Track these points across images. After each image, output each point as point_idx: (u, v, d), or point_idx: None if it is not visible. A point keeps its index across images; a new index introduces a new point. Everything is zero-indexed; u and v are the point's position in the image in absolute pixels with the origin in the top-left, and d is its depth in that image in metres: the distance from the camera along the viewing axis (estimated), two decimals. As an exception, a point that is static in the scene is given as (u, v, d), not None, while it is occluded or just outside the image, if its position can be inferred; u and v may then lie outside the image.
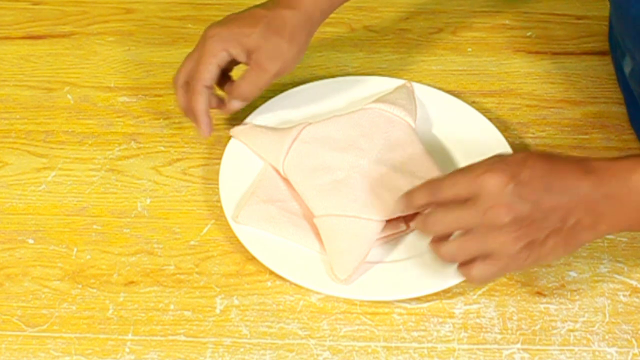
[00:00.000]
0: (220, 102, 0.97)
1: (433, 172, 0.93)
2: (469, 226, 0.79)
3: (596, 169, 0.80)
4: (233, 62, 0.96)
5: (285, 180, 0.95)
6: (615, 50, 1.06)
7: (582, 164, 0.81)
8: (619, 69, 1.05)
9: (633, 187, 0.80)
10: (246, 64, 0.95)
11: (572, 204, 0.79)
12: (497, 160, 0.81)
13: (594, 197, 0.79)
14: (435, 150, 0.98)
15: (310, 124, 0.97)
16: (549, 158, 0.81)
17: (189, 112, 0.96)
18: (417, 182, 0.86)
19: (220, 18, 1.17)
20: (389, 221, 0.89)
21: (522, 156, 0.81)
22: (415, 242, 0.90)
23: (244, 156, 0.97)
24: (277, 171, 0.96)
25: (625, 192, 0.80)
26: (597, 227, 0.81)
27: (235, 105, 0.96)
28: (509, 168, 0.79)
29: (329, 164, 0.94)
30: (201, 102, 0.93)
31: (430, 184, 0.82)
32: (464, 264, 0.81)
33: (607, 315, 0.87)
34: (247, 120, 1.00)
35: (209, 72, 0.93)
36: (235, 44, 0.93)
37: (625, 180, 0.80)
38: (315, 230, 0.90)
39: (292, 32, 0.94)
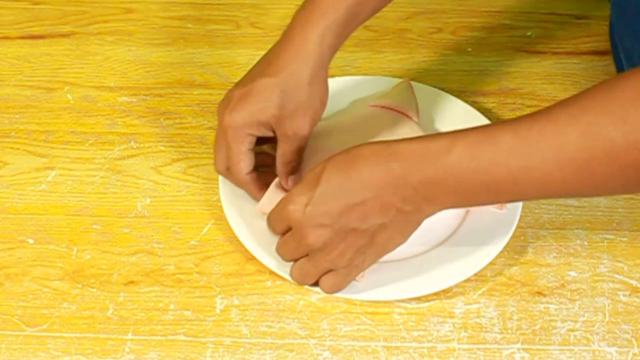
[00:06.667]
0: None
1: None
2: (302, 254, 0.84)
3: (403, 154, 0.78)
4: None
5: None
6: (617, 50, 1.05)
7: (383, 153, 0.79)
8: (620, 69, 1.04)
9: (450, 171, 0.77)
10: (276, 136, 0.90)
11: (381, 198, 0.79)
12: (300, 183, 0.82)
13: (409, 183, 0.78)
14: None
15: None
16: (346, 161, 0.80)
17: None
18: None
19: (221, 18, 1.17)
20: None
21: (318, 170, 0.81)
22: (414, 241, 0.90)
23: (244, 156, 0.97)
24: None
25: (442, 176, 0.77)
26: (424, 210, 0.80)
27: (291, 182, 0.91)
28: (305, 189, 0.81)
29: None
30: (250, 190, 0.91)
31: (268, 222, 0.86)
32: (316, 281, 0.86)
33: (607, 315, 0.87)
34: None
35: (243, 162, 0.89)
36: (254, 126, 0.88)
37: (440, 163, 0.77)
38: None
39: (310, 82, 0.88)
